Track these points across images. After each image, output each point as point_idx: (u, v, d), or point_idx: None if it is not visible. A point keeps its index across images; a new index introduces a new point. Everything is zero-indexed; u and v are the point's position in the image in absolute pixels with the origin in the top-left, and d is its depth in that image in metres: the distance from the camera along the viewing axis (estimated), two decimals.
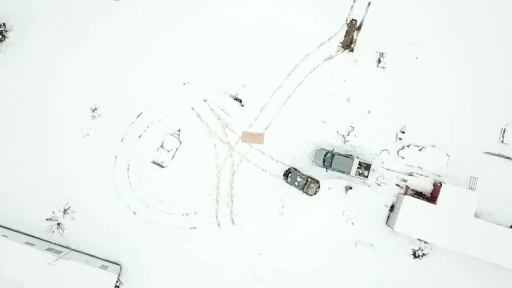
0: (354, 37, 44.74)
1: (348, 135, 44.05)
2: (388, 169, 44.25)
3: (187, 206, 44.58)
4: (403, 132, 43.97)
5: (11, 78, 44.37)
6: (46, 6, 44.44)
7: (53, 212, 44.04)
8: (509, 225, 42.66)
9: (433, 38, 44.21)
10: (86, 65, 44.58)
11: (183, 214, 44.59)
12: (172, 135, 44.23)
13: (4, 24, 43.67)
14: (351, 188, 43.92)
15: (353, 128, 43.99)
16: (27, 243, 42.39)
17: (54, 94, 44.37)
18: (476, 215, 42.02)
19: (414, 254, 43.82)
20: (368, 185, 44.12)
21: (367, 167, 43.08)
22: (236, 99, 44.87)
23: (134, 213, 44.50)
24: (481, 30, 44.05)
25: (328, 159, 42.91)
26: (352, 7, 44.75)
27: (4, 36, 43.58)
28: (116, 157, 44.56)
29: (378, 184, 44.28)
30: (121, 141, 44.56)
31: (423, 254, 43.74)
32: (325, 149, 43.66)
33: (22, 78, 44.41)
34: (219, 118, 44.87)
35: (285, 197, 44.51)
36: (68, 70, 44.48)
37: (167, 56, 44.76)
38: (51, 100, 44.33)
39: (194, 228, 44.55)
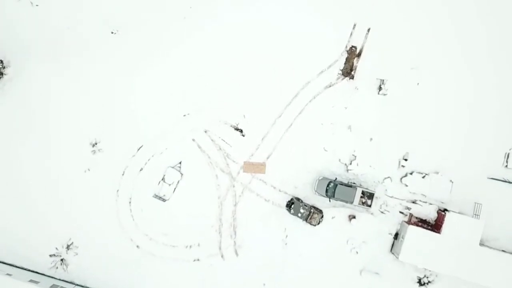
0: (354, 64, 44.32)
1: (350, 163, 43.71)
2: (391, 197, 43.91)
3: (190, 238, 44.43)
4: (405, 160, 43.58)
5: (9, 116, 44.29)
6: (42, 42, 44.51)
7: (56, 248, 43.99)
8: None
9: (434, 64, 43.75)
10: (85, 100, 44.46)
11: (187, 247, 44.44)
12: (173, 167, 44.02)
13: (1, 61, 43.38)
14: (354, 217, 43.65)
15: (355, 156, 43.64)
16: (31, 281, 42.36)
17: (54, 130, 44.29)
18: (481, 241, 41.77)
19: (419, 281, 43.55)
20: (372, 213, 43.82)
21: (370, 196, 42.80)
22: (237, 129, 44.58)
23: (138, 246, 44.39)
24: (483, 54, 43.51)
25: (331, 189, 42.65)
26: (351, 33, 44.32)
27: (1, 73, 43.31)
28: (117, 190, 44.41)
29: (382, 212, 43.97)
30: (122, 174, 44.40)
31: (429, 282, 43.48)
32: (327, 179, 43.37)
33: (20, 115, 44.42)
34: (220, 148, 44.61)
35: (288, 226, 44.27)
36: (67, 106, 44.38)
37: (167, 88, 44.57)
38: (51, 137, 44.25)
39: (198, 260, 44.40)
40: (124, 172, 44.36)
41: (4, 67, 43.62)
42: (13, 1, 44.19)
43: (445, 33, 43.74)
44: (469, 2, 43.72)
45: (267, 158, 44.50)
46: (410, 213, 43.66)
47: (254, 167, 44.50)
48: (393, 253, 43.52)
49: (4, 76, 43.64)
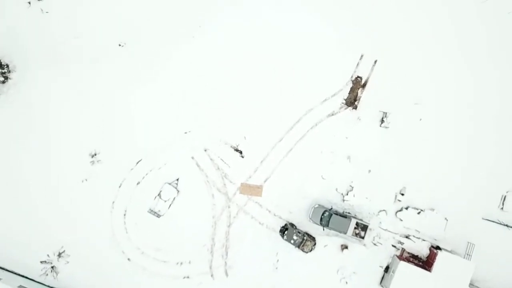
0: (359, 94, 44.38)
1: (347, 194, 43.77)
2: (385, 230, 43.94)
3: (182, 255, 44.46)
4: (402, 194, 43.63)
5: (11, 120, 44.30)
6: (49, 49, 44.60)
7: (48, 255, 44.01)
8: None
9: (438, 101, 43.85)
10: (87, 111, 44.49)
11: (178, 263, 44.49)
12: (170, 184, 44.08)
13: (7, 65, 43.44)
14: (346, 247, 43.71)
15: (352, 187, 43.70)
16: (20, 286, 42.42)
17: (55, 138, 44.31)
18: (471, 281, 41.76)
19: None
20: (364, 244, 43.84)
21: (364, 228, 42.86)
22: (236, 150, 44.64)
23: (129, 259, 44.45)
24: (486, 94, 43.67)
25: (326, 218, 42.71)
26: (358, 64, 44.39)
27: (6, 77, 43.37)
28: (113, 202, 44.45)
29: (374, 244, 44.01)
30: (119, 187, 44.46)
31: None
32: (323, 207, 43.44)
33: (22, 120, 44.37)
34: (219, 168, 44.67)
35: (280, 251, 44.29)
36: (69, 114, 44.42)
37: (170, 104, 44.63)
38: (51, 144, 44.26)
39: (188, 277, 44.44)
40: (121, 184, 44.43)
41: (10, 71, 43.64)
42: (23, 7, 44.33)
43: (452, 73, 43.88)
44: (479, 42, 43.87)
45: (265, 181, 44.57)
46: (402, 248, 43.71)
47: (251, 189, 44.57)
48: (382, 286, 43.57)
49: (9, 80, 43.67)
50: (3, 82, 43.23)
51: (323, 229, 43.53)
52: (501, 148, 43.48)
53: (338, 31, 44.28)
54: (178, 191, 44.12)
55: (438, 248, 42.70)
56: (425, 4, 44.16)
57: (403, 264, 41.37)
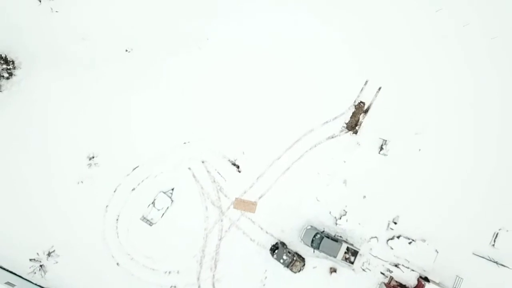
0: (360, 119, 44.40)
1: (340, 218, 43.81)
2: (375, 256, 43.99)
3: (170, 264, 44.55)
4: (395, 223, 43.68)
5: (11, 116, 44.25)
6: (55, 49, 44.49)
7: (38, 254, 44.06)
8: None
9: (439, 133, 43.83)
10: (88, 113, 44.48)
11: (166, 272, 44.58)
12: (165, 193, 44.16)
13: (13, 62, 43.47)
14: (335, 270, 43.77)
15: (346, 212, 43.74)
16: (7, 283, 42.54)
17: (53, 138, 44.24)
18: None
19: None
20: (353, 269, 43.87)
21: (355, 253, 42.92)
22: (234, 164, 44.68)
23: (118, 264, 44.52)
24: (485, 133, 43.68)
25: (317, 240, 42.79)
26: (362, 89, 44.42)
27: (11, 74, 43.37)
28: (107, 206, 44.51)
29: (363, 270, 44.06)
30: (114, 191, 44.51)
31: None
32: (315, 229, 43.50)
33: (23, 117, 44.29)
34: (214, 181, 44.72)
35: (269, 268, 44.34)
36: (70, 116, 44.38)
37: (171, 113, 44.64)
38: (49, 144, 44.20)
39: (175, 287, 44.51)
40: (116, 189, 44.47)
41: (15, 68, 43.66)
42: (34, 5, 44.35)
43: (455, 108, 43.91)
44: (486, 79, 43.94)
45: (259, 198, 44.63)
46: (391, 276, 43.75)
47: (245, 205, 44.62)
48: None
49: (13, 77, 43.67)
50: (7, 78, 43.21)
51: (314, 251, 43.60)
52: (497, 185, 43.41)
53: (345, 55, 44.30)
54: (172, 200, 44.19)
55: (426, 279, 42.75)
56: (436, 38, 44.32)
57: None
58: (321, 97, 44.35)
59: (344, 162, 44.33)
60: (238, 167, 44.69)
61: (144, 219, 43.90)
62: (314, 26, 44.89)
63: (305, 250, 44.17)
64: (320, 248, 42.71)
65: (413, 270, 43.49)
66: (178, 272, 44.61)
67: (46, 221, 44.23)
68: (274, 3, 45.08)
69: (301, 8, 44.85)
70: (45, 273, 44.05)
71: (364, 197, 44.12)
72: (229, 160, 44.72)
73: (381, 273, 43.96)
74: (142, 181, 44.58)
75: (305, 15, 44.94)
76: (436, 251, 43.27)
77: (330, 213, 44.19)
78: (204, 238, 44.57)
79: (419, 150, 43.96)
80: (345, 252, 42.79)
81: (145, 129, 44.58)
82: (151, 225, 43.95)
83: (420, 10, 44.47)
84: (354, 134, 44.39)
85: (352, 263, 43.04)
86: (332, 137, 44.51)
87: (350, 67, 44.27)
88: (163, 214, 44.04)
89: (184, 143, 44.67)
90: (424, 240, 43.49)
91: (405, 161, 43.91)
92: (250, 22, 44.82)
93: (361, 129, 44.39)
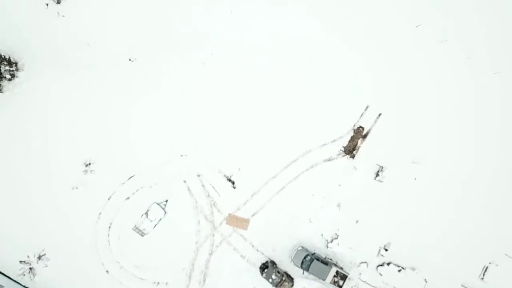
0: (358, 144, 44.46)
1: (331, 241, 43.87)
2: (364, 281, 43.98)
3: (160, 276, 44.53)
4: (386, 250, 43.73)
5: (11, 118, 44.33)
6: (59, 53, 44.74)
7: (28, 256, 44.10)
8: None
9: (436, 164, 43.90)
10: (87, 119, 44.60)
11: (155, 283, 44.58)
12: (158, 204, 44.24)
13: (16, 64, 43.55)
14: None
15: (338, 236, 43.81)
16: None
17: (51, 142, 44.37)
18: None
19: None
20: None
21: (344, 277, 42.91)
22: (229, 180, 44.75)
23: (107, 271, 44.56)
24: (483, 167, 43.78)
25: (307, 262, 42.84)
26: (362, 114, 44.50)
27: (13, 75, 43.46)
28: (100, 213, 44.58)
29: None
30: (108, 199, 44.58)
31: None
32: (306, 250, 43.57)
33: (22, 119, 44.40)
34: (209, 195, 44.79)
35: (257, 287, 44.41)
36: (69, 121, 44.51)
37: (170, 125, 44.82)
38: (47, 147, 44.31)
39: None
40: (110, 197, 44.55)
41: (17, 70, 43.74)
42: (41, 8, 44.45)
43: (454, 141, 44.06)
44: (486, 112, 44.12)
45: (253, 215, 44.69)
46: None
47: (237, 221, 44.69)
48: None
49: (15, 78, 43.76)
50: (10, 80, 43.28)
51: (303, 273, 43.64)
52: (489, 218, 43.48)
53: (348, 79, 44.47)
54: (165, 212, 44.27)
55: None
56: (442, 68, 44.60)
57: None
58: (321, 119, 44.48)
59: (340, 185, 44.39)
60: (233, 183, 44.76)
61: (136, 229, 43.98)
62: (321, 47, 45.05)
63: (294, 271, 44.19)
64: (309, 270, 42.74)
65: None
66: (166, 283, 44.63)
67: (39, 224, 44.30)
68: (274, 23, 45.32)
69: (305, 31, 45.06)
70: (34, 276, 44.09)
71: (357, 221, 44.18)
72: (224, 176, 44.79)
73: None
74: (137, 190, 44.68)
75: (310, 36, 45.14)
76: (425, 280, 43.35)
77: (322, 235, 44.25)
78: (195, 251, 44.63)
79: (415, 179, 44.03)
80: (334, 276, 42.80)
81: (143, 139, 44.71)
82: (142, 236, 44.03)
83: (427, 40, 44.64)
84: (351, 158, 44.44)
85: (341, 287, 43.03)
86: (329, 160, 44.58)
87: (351, 92, 44.41)
88: (155, 225, 44.13)
89: (181, 155, 44.75)
90: (413, 269, 43.55)
91: (400, 189, 43.97)
92: (251, 39, 45.05)
93: (359, 154, 44.46)
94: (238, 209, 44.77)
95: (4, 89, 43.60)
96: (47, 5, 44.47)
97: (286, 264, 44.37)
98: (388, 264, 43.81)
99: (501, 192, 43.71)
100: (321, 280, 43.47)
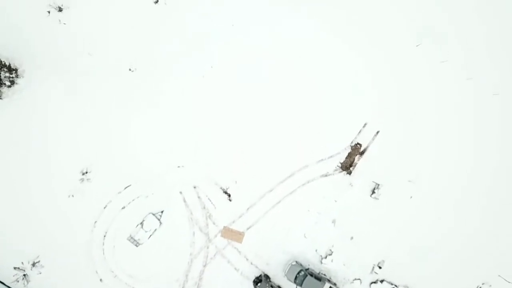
0: (355, 161, 44.48)
1: (325, 257, 43.91)
2: None
3: (153, 286, 44.55)
4: (380, 267, 43.79)
5: (9, 124, 44.37)
6: (60, 61, 44.62)
7: (22, 263, 44.18)
8: None
9: (432, 183, 43.98)
10: (85, 128, 44.60)
11: None
12: (154, 214, 44.29)
13: (16, 70, 43.59)
14: None
15: (332, 252, 43.85)
16: None
17: (49, 150, 44.33)
18: None
19: None
20: None
21: None
22: (225, 192, 44.78)
23: (101, 280, 44.60)
24: (477, 190, 43.93)
25: (300, 277, 42.85)
26: (360, 131, 44.52)
27: (13, 82, 43.50)
28: (95, 222, 44.61)
29: None
30: (104, 208, 44.62)
31: None
32: (300, 265, 43.59)
33: (20, 126, 44.39)
34: (204, 207, 44.83)
35: None
36: (67, 129, 44.52)
37: (168, 137, 44.83)
38: (44, 155, 44.27)
39: None
40: (106, 206, 44.59)
41: (17, 76, 43.78)
42: (42, 16, 44.47)
43: (451, 161, 44.15)
44: (485, 133, 44.23)
45: (247, 228, 44.72)
46: None
47: (232, 234, 44.73)
48: None
49: (15, 85, 43.80)
50: (9, 86, 43.32)
51: (296, 287, 43.74)
52: (483, 239, 43.56)
53: (348, 95, 44.52)
54: (161, 223, 44.32)
55: None
56: (442, 91, 44.74)
57: None
58: (319, 134, 44.49)
59: (335, 201, 44.43)
60: (229, 195, 44.79)
61: (131, 239, 44.04)
62: (321, 65, 45.18)
63: (288, 285, 44.17)
64: (303, 285, 42.71)
65: None
66: None
67: (34, 231, 44.32)
68: (276, 32, 45.52)
69: (307, 50, 45.22)
70: (28, 283, 44.17)
71: (352, 238, 44.22)
72: (221, 188, 44.83)
73: None
74: (133, 200, 44.72)
75: (310, 54, 45.24)
76: None
77: (316, 251, 44.31)
78: (189, 263, 44.67)
79: (411, 197, 44.07)
80: None
81: (141, 149, 44.72)
82: (137, 246, 44.09)
83: (427, 62, 44.75)
84: (347, 175, 44.47)
85: None
86: (326, 176, 44.60)
87: (350, 108, 44.46)
88: (150, 235, 44.18)
89: (178, 166, 44.79)
90: (407, 287, 43.60)
91: (396, 207, 44.02)
92: (251, 53, 45.11)
93: (355, 171, 44.49)
94: (233, 222, 44.81)
95: (3, 95, 43.64)
96: (49, 12, 44.51)
97: (280, 279, 44.41)
98: (382, 281, 43.85)
99: (495, 212, 43.78)
100: None
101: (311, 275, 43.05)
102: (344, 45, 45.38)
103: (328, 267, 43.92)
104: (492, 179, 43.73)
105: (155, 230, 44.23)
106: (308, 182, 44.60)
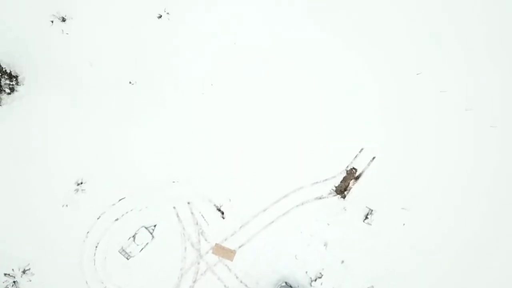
0: (350, 185, 44.55)
1: (315, 280, 44.00)
2: None
3: None
4: None
5: (8, 131, 44.43)
6: (60, 71, 44.69)
7: (13, 270, 44.25)
8: None
9: (425, 212, 44.12)
10: (84, 139, 44.69)
11: None
12: (147, 228, 44.36)
13: (16, 77, 43.68)
14: None
15: (322, 275, 43.93)
16: None
17: (45, 158, 44.36)
18: None
19: None
20: None
21: None
22: (219, 210, 44.86)
23: None
24: (468, 218, 44.15)
25: None
26: (356, 156, 44.59)
27: (13, 89, 43.59)
28: (88, 232, 44.68)
29: None
30: (97, 218, 44.69)
31: None
32: (289, 286, 43.62)
33: (18, 133, 44.43)
34: (197, 223, 44.90)
35: None
36: (66, 139, 44.59)
37: (165, 151, 44.88)
38: (40, 163, 44.31)
39: None
40: (99, 217, 44.65)
41: (18, 84, 43.87)
42: (45, 25, 44.53)
43: (444, 191, 44.47)
44: (480, 164, 44.38)
45: (239, 247, 44.79)
46: None
47: (224, 252, 44.80)
48: None
49: (15, 92, 43.88)
50: (9, 93, 43.41)
51: None
52: (480, 265, 43.86)
53: (345, 122, 44.65)
54: (153, 237, 44.40)
55: None
56: (440, 120, 45.07)
57: None
58: (315, 157, 44.62)
59: (328, 224, 44.51)
60: (222, 213, 44.87)
61: (122, 251, 44.12)
62: (318, 81, 45.38)
63: None
64: None
65: None
66: None
67: (25, 238, 44.36)
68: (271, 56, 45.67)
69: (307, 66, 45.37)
70: None
71: (342, 262, 44.30)
72: (214, 205, 44.92)
73: None
74: (127, 212, 44.79)
75: (306, 65, 45.36)
76: None
77: (306, 273, 44.39)
78: (179, 278, 44.75)
79: (403, 224, 44.15)
80: None
81: (137, 162, 44.77)
82: (128, 259, 44.18)
83: (426, 90, 44.82)
84: (342, 199, 44.55)
85: None
86: (320, 198, 44.68)
87: (347, 133, 44.64)
88: (142, 249, 44.26)
89: (173, 181, 44.87)
90: None
91: (388, 233, 44.14)
92: (251, 74, 45.40)
93: (350, 195, 44.57)
94: (226, 239, 44.88)
95: (2, 102, 43.71)
96: (52, 22, 44.58)
97: None
98: None
99: (488, 237, 43.99)
100: None
101: None
102: (346, 51, 45.65)
103: None
104: (487, 210, 43.82)
105: (147, 243, 44.31)
106: (302, 203, 44.70)
